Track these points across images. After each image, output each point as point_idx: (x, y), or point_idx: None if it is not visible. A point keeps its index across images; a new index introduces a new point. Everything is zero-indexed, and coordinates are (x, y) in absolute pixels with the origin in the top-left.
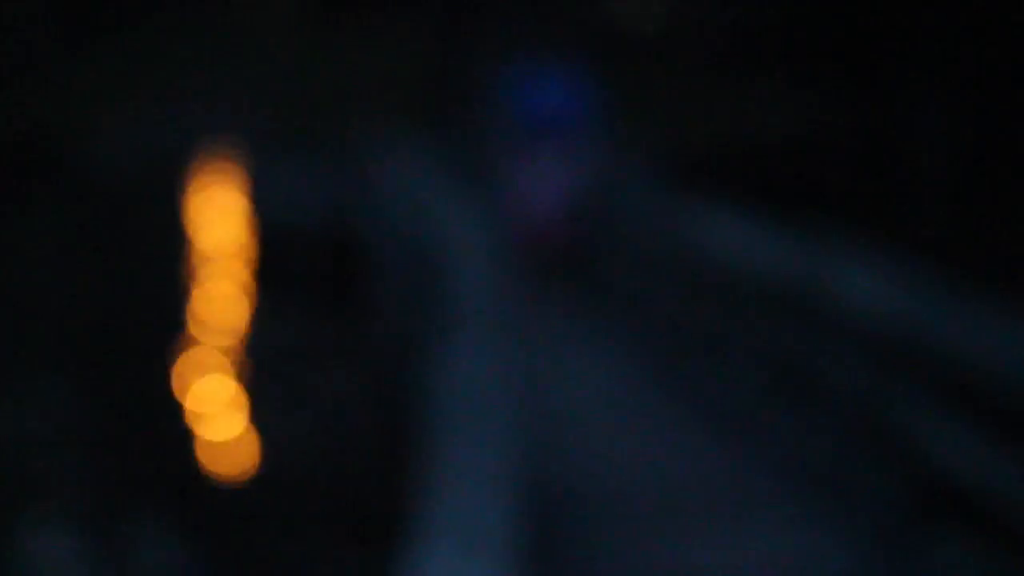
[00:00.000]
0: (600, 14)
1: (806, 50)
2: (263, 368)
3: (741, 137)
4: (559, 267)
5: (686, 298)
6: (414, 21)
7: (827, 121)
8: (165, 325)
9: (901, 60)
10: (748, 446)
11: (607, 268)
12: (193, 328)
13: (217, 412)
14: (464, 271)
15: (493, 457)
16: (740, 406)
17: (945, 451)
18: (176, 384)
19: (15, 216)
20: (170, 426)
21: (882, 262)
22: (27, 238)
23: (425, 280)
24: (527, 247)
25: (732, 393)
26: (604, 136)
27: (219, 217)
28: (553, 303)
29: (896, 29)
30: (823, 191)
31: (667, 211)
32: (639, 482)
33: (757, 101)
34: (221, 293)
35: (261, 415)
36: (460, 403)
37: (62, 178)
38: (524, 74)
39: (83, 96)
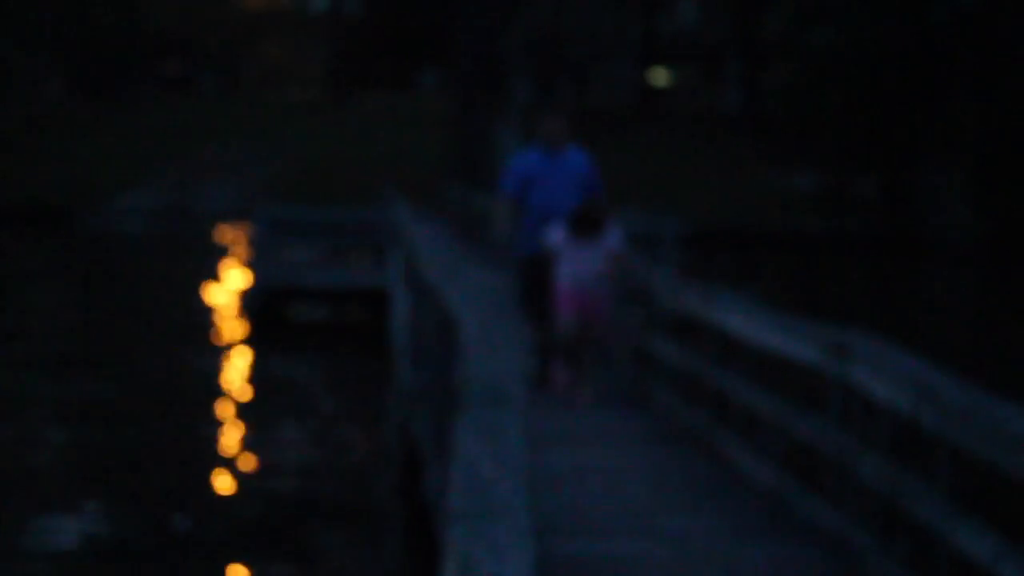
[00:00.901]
0: (624, 91)
1: (827, 135)
2: (274, 414)
3: (763, 214)
4: (585, 347)
5: (711, 377)
6: (434, 98)
7: (845, 200)
8: (171, 373)
9: (920, 145)
10: (768, 524)
11: (630, 343)
12: (203, 377)
13: (229, 453)
14: (480, 343)
15: (506, 533)
16: (763, 484)
17: (954, 543)
18: (187, 424)
19: (30, 271)
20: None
21: (901, 358)
22: (40, 291)
23: (441, 347)
24: (558, 328)
25: (756, 471)
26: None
27: (233, 276)
28: (577, 379)
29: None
30: (843, 276)
31: (692, 291)
32: (657, 561)
33: (779, 181)
34: (236, 345)
35: (271, 456)
36: (470, 486)
37: (76, 234)
38: (544, 150)
39: (106, 159)
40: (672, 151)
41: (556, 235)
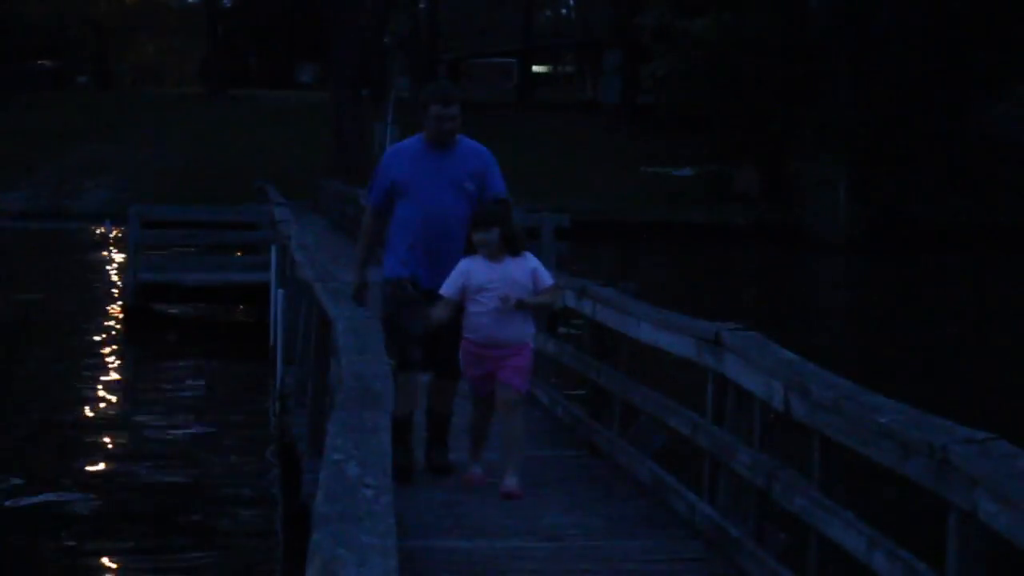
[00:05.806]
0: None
1: (707, 126)
2: (149, 414)
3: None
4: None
5: (590, 371)
6: (313, 95)
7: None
8: (42, 375)
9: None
10: (645, 517)
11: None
12: (75, 378)
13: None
14: (352, 343)
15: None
16: (642, 479)
17: (827, 533)
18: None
19: None
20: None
21: (772, 350)
22: None
23: (316, 346)
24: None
25: (634, 465)
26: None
27: (109, 275)
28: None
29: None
30: (724, 267)
31: (568, 286)
32: (532, 555)
33: (659, 171)
34: (111, 344)
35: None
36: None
37: None
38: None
39: None
40: (552, 143)
41: (453, 283)
